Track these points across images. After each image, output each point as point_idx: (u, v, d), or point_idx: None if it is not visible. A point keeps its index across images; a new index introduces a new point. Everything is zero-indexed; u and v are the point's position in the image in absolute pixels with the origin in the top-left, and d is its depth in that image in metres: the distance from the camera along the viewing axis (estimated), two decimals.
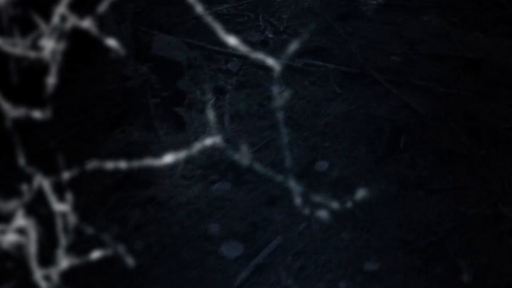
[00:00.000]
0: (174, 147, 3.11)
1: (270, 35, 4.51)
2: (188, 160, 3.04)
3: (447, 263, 2.58)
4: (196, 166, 3.02)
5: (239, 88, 3.62)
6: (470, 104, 3.77)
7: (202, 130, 3.26)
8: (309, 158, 3.07)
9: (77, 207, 2.27)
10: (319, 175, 2.96)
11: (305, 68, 3.78)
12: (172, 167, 3.00)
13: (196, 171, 2.99)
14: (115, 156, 2.97)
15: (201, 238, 2.62)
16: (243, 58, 3.90)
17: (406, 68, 4.01)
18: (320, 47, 4.08)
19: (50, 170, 1.85)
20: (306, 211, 2.72)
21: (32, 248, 0.94)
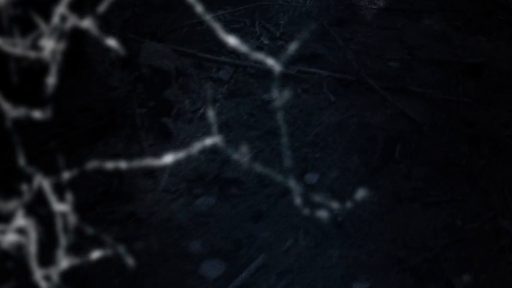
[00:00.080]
0: (161, 159, 2.94)
1: (266, 41, 4.33)
2: (173, 173, 2.86)
3: (442, 282, 2.38)
4: (180, 179, 2.84)
5: (230, 97, 3.44)
6: (470, 111, 3.56)
7: (189, 141, 3.09)
8: (298, 170, 2.88)
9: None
10: (309, 188, 2.77)
11: (298, 75, 3.60)
12: (156, 180, 2.83)
13: (180, 184, 2.82)
14: (98, 169, 2.80)
15: (180, 257, 2.44)
16: (234, 65, 3.72)
17: (404, 74, 3.81)
18: (315, 54, 3.89)
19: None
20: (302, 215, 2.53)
21: (32, 248, 0.92)
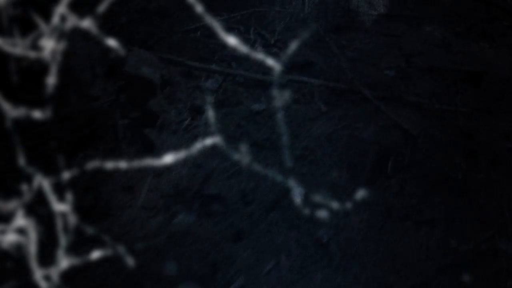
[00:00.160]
0: (141, 174, 2.75)
1: (260, 49, 4.13)
2: (152, 187, 2.67)
3: None
4: (160, 195, 2.65)
5: (218, 107, 3.24)
6: (468, 122, 3.34)
7: (173, 154, 2.89)
8: (284, 185, 2.67)
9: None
10: (293, 207, 2.56)
11: (289, 84, 3.39)
12: (134, 195, 2.63)
13: (159, 200, 2.62)
14: (77, 183, 2.61)
15: (154, 279, 2.25)
16: (224, 74, 3.52)
17: (400, 83, 3.59)
18: (308, 62, 3.68)
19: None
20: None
21: (32, 248, 0.92)
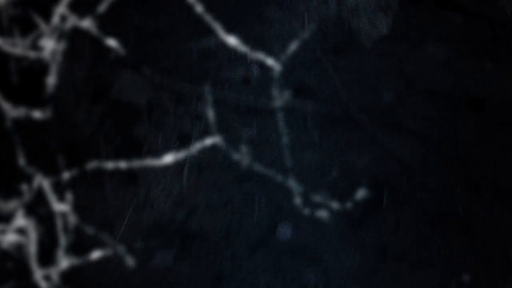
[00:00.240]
0: (121, 207, 2.54)
1: (256, 71, 3.93)
2: (132, 222, 2.46)
3: None
4: (139, 231, 2.44)
5: (207, 133, 3.03)
6: (471, 151, 3.10)
7: (158, 185, 2.69)
8: (271, 221, 2.45)
9: None
10: (280, 244, 2.34)
11: (281, 110, 3.18)
12: (112, 231, 2.43)
13: (137, 237, 2.41)
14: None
15: None
16: (215, 98, 3.32)
17: (398, 107, 3.37)
18: (302, 85, 3.47)
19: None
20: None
21: (32, 248, 0.94)
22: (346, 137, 2.99)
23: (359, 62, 4.16)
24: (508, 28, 5.73)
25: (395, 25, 5.34)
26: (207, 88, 3.50)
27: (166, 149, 2.93)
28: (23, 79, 2.30)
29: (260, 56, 0.92)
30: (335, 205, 2.52)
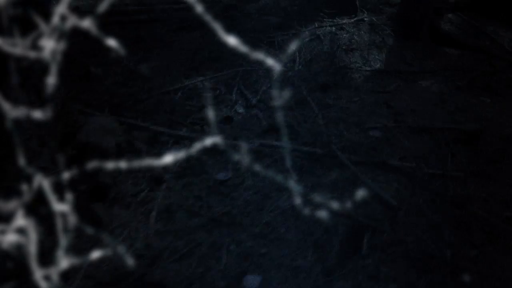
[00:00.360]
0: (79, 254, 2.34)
1: (240, 110, 3.78)
2: (89, 274, 2.26)
3: None
4: (95, 282, 2.24)
5: (179, 176, 2.86)
6: (461, 189, 2.89)
7: (122, 232, 2.50)
8: (238, 269, 2.24)
9: None
10: None
11: (260, 149, 3.00)
12: (67, 283, 2.23)
13: None
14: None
15: None
16: (192, 140, 3.16)
17: (385, 145, 3.18)
18: (285, 124, 3.30)
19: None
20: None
21: (32, 248, 0.85)
22: (326, 177, 2.80)
23: (347, 98, 3.99)
24: (506, 61, 5.56)
25: (389, 61, 5.19)
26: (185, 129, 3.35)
27: (135, 194, 2.75)
28: (23, 79, 2.34)
29: (260, 56, 0.83)
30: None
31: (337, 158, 2.91)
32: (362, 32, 5.77)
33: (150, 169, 2.87)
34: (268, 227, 2.44)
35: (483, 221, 2.66)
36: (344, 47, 5.29)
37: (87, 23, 0.82)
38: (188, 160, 2.95)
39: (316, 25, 5.69)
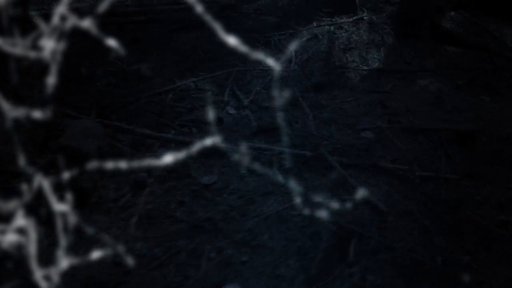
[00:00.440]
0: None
1: (231, 111, 3.68)
2: (62, 284, 2.15)
3: None
4: None
5: (163, 181, 2.76)
6: (454, 191, 2.76)
7: (100, 238, 2.40)
8: (217, 278, 2.14)
9: None
10: None
11: (248, 152, 2.89)
12: None
13: None
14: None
15: None
16: (179, 142, 3.06)
17: (377, 147, 3.06)
18: (274, 126, 3.19)
19: None
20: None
21: (32, 248, 0.85)
22: (314, 181, 2.69)
23: (342, 99, 3.87)
24: (507, 58, 5.40)
25: (387, 60, 5.06)
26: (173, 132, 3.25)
27: (116, 198, 2.66)
28: (23, 79, 2.33)
29: (260, 56, 0.78)
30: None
31: (326, 161, 2.80)
32: (361, 31, 5.64)
33: (133, 173, 2.78)
34: (251, 234, 2.33)
35: (476, 226, 2.54)
36: (342, 47, 5.17)
37: (87, 23, 0.82)
38: (174, 162, 2.84)
39: (315, 25, 5.57)
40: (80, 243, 2.26)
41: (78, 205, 2.58)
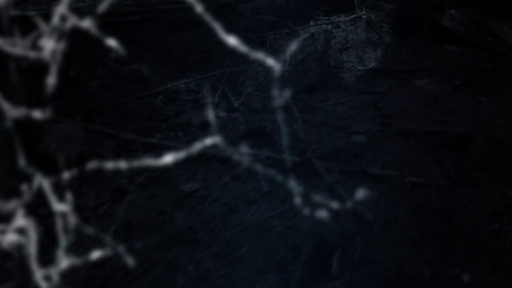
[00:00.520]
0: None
1: (221, 114, 3.57)
2: None
3: None
4: None
5: (144, 188, 2.65)
6: (446, 198, 2.64)
7: (75, 249, 2.30)
8: None
9: None
10: None
11: (232, 158, 2.78)
12: None
13: None
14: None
15: None
16: (163, 148, 2.95)
17: (367, 151, 2.93)
18: (261, 130, 3.07)
19: None
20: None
21: (32, 248, 0.86)
22: (299, 188, 2.57)
23: (334, 101, 3.75)
24: (507, 57, 5.25)
25: (384, 59, 4.92)
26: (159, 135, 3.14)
27: (95, 207, 2.55)
28: (23, 79, 2.09)
29: (260, 56, 0.73)
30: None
31: (313, 167, 2.68)
32: (359, 30, 5.51)
33: (114, 180, 2.67)
34: (230, 245, 2.22)
35: (467, 235, 2.41)
36: (338, 46, 5.04)
37: (87, 23, 0.81)
38: (156, 169, 2.74)
39: (312, 23, 5.45)
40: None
41: (51, 216, 2.48)
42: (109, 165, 0.96)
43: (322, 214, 2.31)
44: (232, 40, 0.82)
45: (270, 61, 0.87)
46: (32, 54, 0.82)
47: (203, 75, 4.13)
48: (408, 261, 2.22)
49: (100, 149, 2.85)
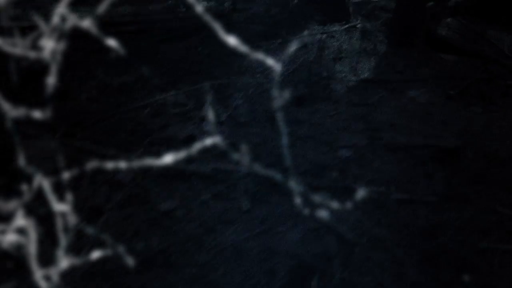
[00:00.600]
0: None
1: (206, 127, 3.46)
2: None
3: None
4: None
5: (122, 206, 2.55)
6: (433, 216, 2.52)
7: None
8: None
9: None
10: None
11: (212, 174, 2.68)
12: None
13: None
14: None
15: None
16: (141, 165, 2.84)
17: (353, 167, 2.82)
18: (248, 144, 2.97)
19: None
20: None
21: (32, 248, 0.88)
22: (280, 207, 2.46)
23: (323, 113, 3.64)
24: (503, 66, 5.13)
25: (378, 69, 4.81)
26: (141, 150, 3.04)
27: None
28: (23, 79, 2.32)
29: (260, 56, 0.70)
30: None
31: (296, 184, 2.56)
32: (353, 39, 5.41)
33: (91, 198, 2.57)
34: (205, 269, 2.11)
35: (454, 255, 2.29)
36: (331, 56, 4.93)
37: (87, 23, 0.79)
38: (134, 187, 2.63)
39: (305, 33, 5.35)
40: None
41: None
42: (109, 165, 0.96)
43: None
44: (232, 40, 0.82)
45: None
46: (32, 54, 0.81)
47: (192, 87, 4.03)
48: (391, 284, 2.10)
49: (77, 167, 2.75)
